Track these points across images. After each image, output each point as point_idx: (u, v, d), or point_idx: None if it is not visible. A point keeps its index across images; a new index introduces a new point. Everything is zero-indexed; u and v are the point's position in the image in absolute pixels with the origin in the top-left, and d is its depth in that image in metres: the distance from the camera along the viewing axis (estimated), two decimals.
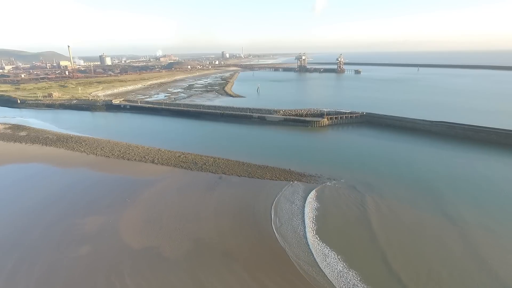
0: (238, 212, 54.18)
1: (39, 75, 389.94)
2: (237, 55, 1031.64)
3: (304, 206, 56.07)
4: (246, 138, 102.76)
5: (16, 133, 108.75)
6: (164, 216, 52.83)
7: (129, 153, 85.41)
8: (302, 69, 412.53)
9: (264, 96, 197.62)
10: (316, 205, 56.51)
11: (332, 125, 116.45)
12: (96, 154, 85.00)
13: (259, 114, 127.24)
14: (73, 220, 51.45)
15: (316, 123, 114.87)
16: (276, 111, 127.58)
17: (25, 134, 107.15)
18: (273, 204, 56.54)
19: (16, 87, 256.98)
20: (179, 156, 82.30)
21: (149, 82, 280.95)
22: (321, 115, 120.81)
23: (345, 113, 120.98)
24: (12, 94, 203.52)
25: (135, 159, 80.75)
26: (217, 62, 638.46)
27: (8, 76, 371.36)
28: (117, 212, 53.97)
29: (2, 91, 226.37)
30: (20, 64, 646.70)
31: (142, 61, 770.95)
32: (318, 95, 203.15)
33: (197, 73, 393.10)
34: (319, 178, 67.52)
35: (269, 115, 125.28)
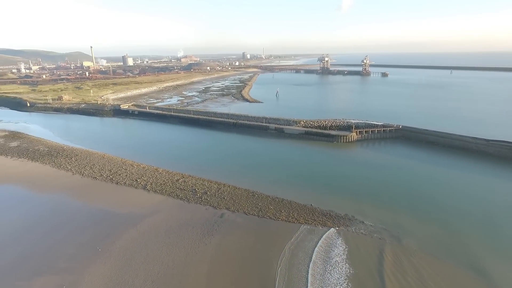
0: (239, 276, 39.30)
1: (60, 75, 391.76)
2: (258, 56, 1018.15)
3: (330, 271, 40.44)
4: (260, 156, 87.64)
5: (7, 143, 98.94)
6: (139, 279, 38.75)
7: (120, 174, 72.50)
8: (325, 71, 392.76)
9: (284, 101, 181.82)
10: (345, 269, 40.70)
11: (362, 141, 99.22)
12: (82, 174, 72.63)
13: (276, 125, 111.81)
14: (13, 283, 38.26)
15: (343, 138, 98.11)
16: (296, 122, 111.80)
17: (16, 144, 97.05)
18: (287, 266, 41.21)
19: (33, 88, 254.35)
20: (177, 180, 68.42)
21: (165, 84, 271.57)
22: (348, 127, 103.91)
23: (377, 125, 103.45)
24: (24, 97, 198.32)
25: (125, 183, 67.58)
26: (237, 63, 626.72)
27: (31, 77, 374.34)
28: (79, 270, 40.40)
29: (17, 93, 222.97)
30: (46, 64, 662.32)
31: (163, 61, 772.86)
32: (343, 101, 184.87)
33: (215, 75, 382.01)
34: (350, 222, 51.58)
35: (288, 127, 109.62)
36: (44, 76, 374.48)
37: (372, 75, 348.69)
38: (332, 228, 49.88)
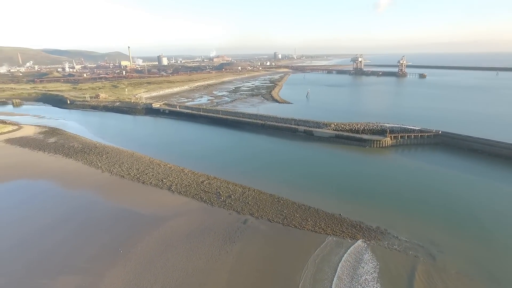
0: None
1: (100, 74, 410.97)
2: (290, 56, 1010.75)
3: None
4: (288, 160, 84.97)
5: (46, 139, 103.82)
6: (157, 285, 37.80)
7: (147, 173, 73.04)
8: (358, 71, 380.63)
9: (314, 103, 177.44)
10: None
11: (397, 146, 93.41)
12: (111, 173, 73.99)
13: (305, 127, 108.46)
14: (38, 281, 38.76)
15: (376, 143, 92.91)
16: (326, 124, 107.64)
17: (54, 140, 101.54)
18: (311, 281, 38.44)
19: (74, 86, 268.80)
20: (202, 182, 67.62)
21: (196, 84, 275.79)
22: (382, 132, 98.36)
23: (414, 130, 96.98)
24: (65, 95, 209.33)
25: (151, 183, 67.82)
26: (268, 63, 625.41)
27: (73, 75, 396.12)
28: (99, 272, 40.23)
29: (59, 90, 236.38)
30: (88, 64, 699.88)
31: (196, 61, 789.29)
32: (377, 104, 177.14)
33: (246, 75, 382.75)
34: (382, 235, 47.68)
35: (317, 129, 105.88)
36: (85, 75, 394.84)
37: (408, 76, 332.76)
38: (362, 242, 46.36)
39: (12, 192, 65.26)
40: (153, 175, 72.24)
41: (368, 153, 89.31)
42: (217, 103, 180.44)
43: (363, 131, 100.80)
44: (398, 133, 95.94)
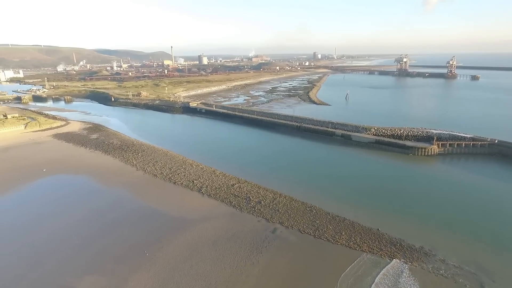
0: None
1: (144, 73, 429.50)
2: (330, 56, 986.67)
3: None
4: (322, 165, 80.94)
5: (89, 135, 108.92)
6: None
7: (179, 174, 73.12)
8: (402, 73, 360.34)
9: (353, 105, 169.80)
10: None
11: (444, 155, 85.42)
12: (145, 171, 75.11)
13: (343, 131, 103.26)
14: (65, 280, 39.25)
15: (421, 151, 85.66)
16: (365, 129, 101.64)
17: (96, 137, 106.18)
18: None
19: (119, 84, 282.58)
20: (233, 185, 66.14)
21: (234, 83, 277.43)
22: (428, 138, 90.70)
23: (465, 138, 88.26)
24: (110, 92, 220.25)
25: (181, 183, 67.63)
26: (307, 63, 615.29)
27: (120, 74, 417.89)
28: (124, 274, 39.96)
29: (105, 88, 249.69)
30: (133, 63, 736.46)
31: (235, 61, 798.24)
32: (423, 108, 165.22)
33: (284, 75, 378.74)
34: (426, 257, 42.76)
35: (356, 134, 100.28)
36: (130, 73, 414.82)
37: (459, 78, 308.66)
38: (401, 262, 41.81)
39: (51, 187, 68.25)
40: (184, 175, 72.16)
41: (412, 161, 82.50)
42: (253, 103, 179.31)
43: (407, 137, 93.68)
44: (447, 141, 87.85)
